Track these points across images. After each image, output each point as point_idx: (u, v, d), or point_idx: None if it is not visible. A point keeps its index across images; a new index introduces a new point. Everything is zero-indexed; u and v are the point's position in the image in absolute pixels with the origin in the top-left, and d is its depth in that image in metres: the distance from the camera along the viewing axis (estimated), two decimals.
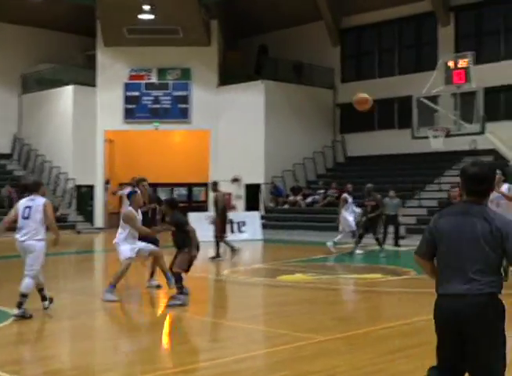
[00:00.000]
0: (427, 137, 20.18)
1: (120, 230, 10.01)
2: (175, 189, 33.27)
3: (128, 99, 30.11)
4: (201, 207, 29.82)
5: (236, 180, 29.02)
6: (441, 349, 4.05)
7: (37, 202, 8.50)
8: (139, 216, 10.16)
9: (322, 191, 27.63)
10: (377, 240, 17.73)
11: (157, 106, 30.08)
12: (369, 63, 30.72)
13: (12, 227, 8.70)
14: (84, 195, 30.45)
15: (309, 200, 27.65)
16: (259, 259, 19.16)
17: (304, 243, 22.19)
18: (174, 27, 29.62)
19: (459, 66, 19.86)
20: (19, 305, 8.38)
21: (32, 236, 8.40)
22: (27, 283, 8.43)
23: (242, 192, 29.23)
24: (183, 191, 32.74)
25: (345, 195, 18.90)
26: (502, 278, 3.99)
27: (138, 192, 10.70)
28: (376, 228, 17.90)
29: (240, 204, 28.94)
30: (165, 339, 8.03)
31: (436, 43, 28.15)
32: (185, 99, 30.11)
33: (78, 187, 30.13)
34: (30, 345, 7.61)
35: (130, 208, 10.02)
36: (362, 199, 18.79)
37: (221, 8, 31.12)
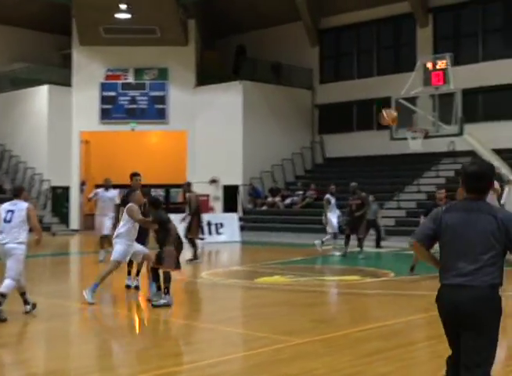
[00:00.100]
0: (405, 138, 20.13)
1: (122, 223, 10.30)
2: (153, 190, 32.85)
3: (104, 100, 29.80)
4: (179, 208, 29.51)
5: (213, 181, 28.85)
6: (447, 338, 4.24)
7: (20, 206, 8.70)
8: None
9: (300, 192, 27.55)
10: (359, 240, 17.49)
11: (134, 106, 29.80)
12: (347, 63, 30.72)
13: None
14: (60, 196, 30.09)
15: (288, 201, 27.54)
16: (237, 261, 19.03)
17: (282, 245, 22.09)
18: (152, 27, 29.36)
19: (437, 67, 19.81)
20: None
21: (13, 239, 8.56)
22: (7, 284, 8.49)
23: (220, 193, 29.05)
24: (161, 192, 32.38)
25: (328, 196, 18.77)
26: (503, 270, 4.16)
27: (138, 191, 11.00)
28: (360, 227, 17.57)
29: (218, 205, 28.76)
30: (140, 342, 7.87)
31: (415, 44, 28.19)
32: (162, 100, 29.86)
33: (53, 188, 29.79)
34: (6, 349, 7.46)
35: (132, 203, 10.31)
36: (344, 200, 18.66)
37: (198, 7, 30.94)
